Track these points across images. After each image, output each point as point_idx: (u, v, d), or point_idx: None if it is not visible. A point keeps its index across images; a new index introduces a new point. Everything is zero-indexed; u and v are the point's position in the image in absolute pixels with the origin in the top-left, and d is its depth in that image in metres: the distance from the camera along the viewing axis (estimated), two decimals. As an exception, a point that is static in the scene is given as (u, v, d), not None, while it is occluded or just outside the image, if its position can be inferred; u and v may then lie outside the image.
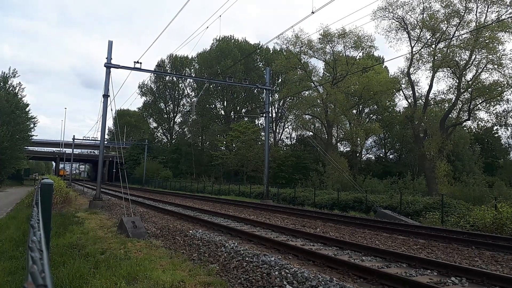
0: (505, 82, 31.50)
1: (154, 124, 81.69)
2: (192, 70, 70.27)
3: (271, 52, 62.69)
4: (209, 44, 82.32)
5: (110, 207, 20.19)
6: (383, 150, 57.73)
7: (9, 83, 42.98)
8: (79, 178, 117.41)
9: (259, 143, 49.04)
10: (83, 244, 9.18)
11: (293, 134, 62.74)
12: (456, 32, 33.01)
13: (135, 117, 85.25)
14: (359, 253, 9.14)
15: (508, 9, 31.04)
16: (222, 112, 66.16)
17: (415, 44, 35.51)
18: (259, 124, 58.93)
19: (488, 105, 33.52)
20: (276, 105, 60.20)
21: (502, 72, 31.49)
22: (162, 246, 9.43)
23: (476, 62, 32.69)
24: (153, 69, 37.63)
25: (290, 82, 49.03)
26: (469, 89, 32.90)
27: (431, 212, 17.88)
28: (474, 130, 49.37)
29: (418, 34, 35.33)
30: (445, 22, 33.58)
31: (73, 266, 6.50)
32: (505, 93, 32.22)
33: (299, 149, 53.19)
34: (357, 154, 51.69)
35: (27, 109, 45.34)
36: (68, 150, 71.67)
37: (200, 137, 68.58)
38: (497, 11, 31.62)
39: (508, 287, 6.33)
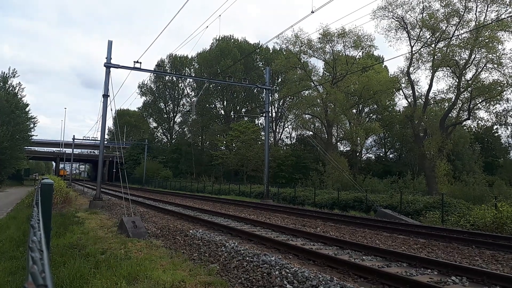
0: (505, 82, 31.50)
1: (154, 124, 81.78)
2: (192, 70, 70.27)
3: (271, 51, 62.69)
4: (209, 44, 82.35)
5: (110, 207, 20.19)
6: (383, 150, 57.75)
7: (9, 83, 43.01)
8: (79, 178, 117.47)
9: (259, 142, 49.04)
10: (83, 244, 9.17)
11: (293, 134, 62.84)
12: (456, 32, 33.01)
13: (135, 117, 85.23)
14: (360, 252, 9.14)
15: (507, 8, 31.06)
16: (222, 111, 66.16)
17: (415, 43, 35.52)
18: (259, 124, 58.93)
19: (488, 104, 33.51)
20: (276, 105, 60.20)
21: (502, 72, 31.50)
22: (162, 246, 9.43)
23: (476, 62, 32.70)
24: (153, 69, 37.66)
25: (290, 82, 49.01)
26: (469, 89, 32.89)
27: (431, 212, 17.89)
28: (474, 130, 49.38)
29: (418, 34, 35.33)
30: (445, 21, 33.56)
31: (73, 266, 6.49)
32: (504, 92, 32.23)
33: (299, 148, 53.21)
34: (357, 154, 51.70)
35: (27, 109, 45.36)
36: (68, 150, 71.67)
37: (200, 137, 68.59)
38: (496, 11, 31.65)
39: (509, 287, 6.32)
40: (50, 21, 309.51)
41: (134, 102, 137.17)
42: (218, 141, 57.45)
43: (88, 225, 13.02)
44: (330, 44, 42.42)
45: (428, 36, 35.11)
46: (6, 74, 42.95)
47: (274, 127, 60.50)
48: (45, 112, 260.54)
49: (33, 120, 47.15)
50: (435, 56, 33.40)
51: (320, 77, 48.93)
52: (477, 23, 31.98)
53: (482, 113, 54.65)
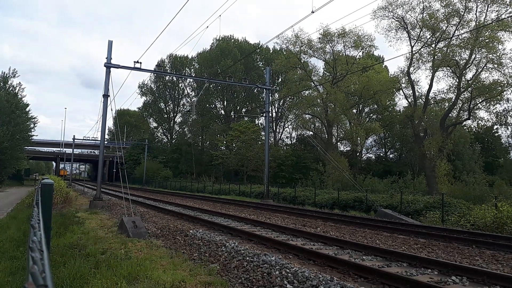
0: (505, 82, 31.51)
1: (154, 124, 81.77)
2: (192, 69, 70.27)
3: (271, 51, 62.70)
4: (209, 44, 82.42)
5: (111, 207, 20.19)
6: (383, 150, 57.74)
7: (9, 83, 43.03)
8: (80, 178, 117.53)
9: (259, 142, 49.02)
10: (83, 244, 9.18)
11: (293, 134, 62.83)
12: (456, 32, 33.01)
13: (135, 117, 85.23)
14: (360, 252, 9.14)
15: (508, 8, 31.06)
16: (222, 111, 66.16)
17: (415, 43, 35.52)
18: (259, 124, 58.93)
19: (488, 104, 33.51)
20: (276, 105, 60.21)
21: (502, 72, 31.51)
22: (162, 246, 9.43)
23: (476, 62, 32.70)
24: (153, 69, 37.62)
25: (290, 82, 49.00)
26: (469, 89, 32.88)
27: (432, 211, 17.89)
28: (474, 129, 49.36)
29: (418, 34, 35.33)
30: (445, 21, 33.57)
31: (73, 266, 6.50)
32: (505, 92, 32.24)
33: (299, 148, 53.21)
34: (357, 154, 51.70)
35: (27, 109, 45.36)
36: (68, 150, 71.70)
37: (200, 137, 68.59)
38: (497, 11, 31.65)
39: (509, 286, 6.32)
40: (50, 21, 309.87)
41: (134, 102, 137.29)
42: (218, 141, 57.45)
43: (88, 225, 13.02)
44: (330, 44, 42.44)
45: (428, 36, 35.12)
46: (6, 74, 43.01)
47: (274, 127, 60.49)
48: (45, 112, 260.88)
49: (33, 120, 47.18)
50: (435, 56, 33.40)
51: (320, 77, 48.94)
52: (477, 23, 31.98)
53: (482, 113, 54.65)
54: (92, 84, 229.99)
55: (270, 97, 35.81)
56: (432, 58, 33.84)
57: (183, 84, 72.71)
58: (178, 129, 76.96)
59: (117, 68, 23.17)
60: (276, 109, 60.73)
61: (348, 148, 51.93)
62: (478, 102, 33.68)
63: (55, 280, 5.56)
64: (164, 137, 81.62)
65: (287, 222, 15.59)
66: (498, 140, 50.83)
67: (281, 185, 35.36)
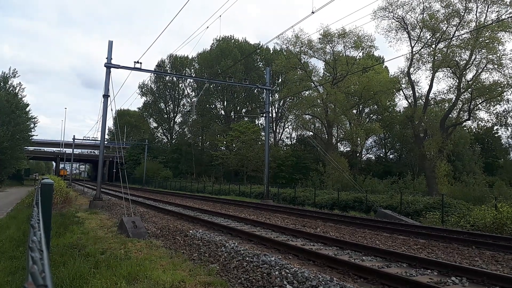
0: (505, 82, 31.52)
1: (154, 124, 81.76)
2: (192, 70, 70.27)
3: (271, 52, 62.71)
4: (209, 44, 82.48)
5: (110, 207, 20.19)
6: (383, 150, 57.74)
7: (9, 83, 43.01)
8: (79, 178, 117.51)
9: (259, 143, 49.04)
10: (83, 244, 9.18)
11: (293, 134, 62.85)
12: (456, 32, 33.01)
13: (135, 117, 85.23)
14: (360, 253, 9.14)
15: (508, 9, 31.06)
16: (222, 112, 66.17)
17: (415, 44, 35.53)
18: (259, 124, 58.94)
19: (488, 105, 33.51)
20: (276, 105, 60.23)
21: (502, 72, 31.51)
22: (162, 246, 9.42)
23: (476, 62, 32.71)
24: (153, 69, 37.68)
25: (290, 82, 49.03)
26: (469, 89, 32.89)
27: (432, 212, 17.88)
28: (474, 130, 49.37)
29: (418, 34, 35.34)
30: (445, 22, 33.58)
31: (73, 266, 6.49)
32: (505, 93, 32.24)
33: (299, 149, 53.20)
34: (357, 154, 51.71)
35: (27, 109, 45.34)
36: (68, 150, 71.70)
37: (200, 137, 68.58)
38: (497, 11, 31.66)
39: (509, 287, 6.32)
40: (50, 21, 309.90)
41: (134, 102, 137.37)
42: (218, 141, 57.45)
43: (88, 225, 13.02)
44: (330, 45, 42.45)
45: (428, 37, 35.14)
46: (6, 74, 42.99)
47: (274, 127, 60.50)
48: (45, 112, 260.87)
49: (33, 120, 47.17)
50: (436, 57, 33.41)
51: (320, 78, 48.95)
52: (477, 24, 31.98)
53: (482, 114, 54.68)
54: (92, 84, 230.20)
55: (270, 98, 35.81)
56: (432, 59, 33.85)
57: (183, 84, 72.77)
58: (178, 129, 76.98)
59: (117, 68, 23.17)
60: (276, 109, 60.77)
61: (348, 149, 51.95)
62: (478, 103, 33.68)
63: (55, 280, 5.57)
64: (164, 137, 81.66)
65: (287, 222, 15.59)
66: (498, 141, 50.84)
67: (281, 185, 35.36)
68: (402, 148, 54.11)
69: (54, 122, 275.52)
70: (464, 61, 32.89)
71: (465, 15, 32.63)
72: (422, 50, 34.66)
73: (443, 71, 34.87)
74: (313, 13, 17.81)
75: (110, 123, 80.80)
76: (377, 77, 41.28)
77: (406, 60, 36.06)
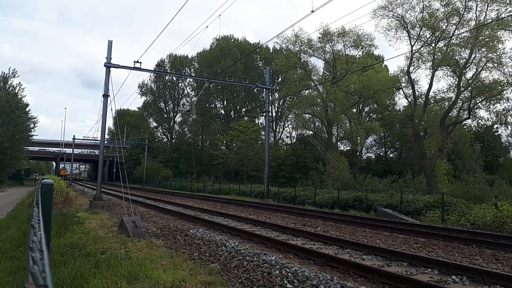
0: (505, 81, 31.52)
1: (154, 124, 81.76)
2: (192, 69, 70.24)
3: (271, 51, 62.68)
4: (209, 44, 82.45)
5: (111, 207, 20.19)
6: (383, 149, 57.74)
7: (9, 83, 43.00)
8: (80, 178, 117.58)
9: (259, 142, 49.04)
10: (83, 244, 9.18)
11: (293, 133, 62.86)
12: (456, 31, 33.01)
13: (135, 117, 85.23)
14: (360, 252, 9.14)
15: (507, 7, 31.07)
16: (222, 111, 66.16)
17: (415, 42, 35.53)
18: (259, 123, 58.95)
19: (488, 103, 33.53)
20: (276, 104, 60.22)
21: (502, 71, 31.54)
22: (162, 246, 9.43)
23: (476, 61, 32.72)
24: (153, 69, 37.61)
25: (290, 81, 49.04)
26: (469, 88, 32.90)
27: (432, 211, 17.89)
28: (474, 129, 49.39)
29: (418, 33, 35.34)
30: (445, 20, 33.58)
31: (73, 266, 6.50)
32: (505, 91, 32.26)
33: (299, 148, 53.20)
34: (357, 153, 51.72)
35: (27, 109, 45.35)
36: (68, 150, 71.72)
37: (200, 137, 68.58)
38: (496, 10, 31.67)
39: (509, 286, 6.32)
40: (50, 21, 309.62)
41: (134, 102, 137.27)
42: (218, 141, 57.45)
43: (88, 225, 13.02)
44: (330, 44, 42.45)
45: (428, 36, 35.13)
46: (6, 74, 42.98)
47: (274, 126, 60.50)
48: (45, 112, 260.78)
49: (33, 120, 47.19)
50: (435, 56, 33.42)
51: (320, 77, 48.96)
52: (477, 22, 31.98)
53: (482, 112, 54.75)
54: (92, 84, 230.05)
55: (270, 97, 35.80)
56: (432, 58, 33.86)
57: (183, 84, 72.73)
58: (178, 129, 76.99)
59: (117, 68, 23.16)
60: (276, 108, 60.75)
61: (348, 148, 51.95)
62: (478, 102, 33.69)
63: (55, 280, 5.57)
64: (164, 137, 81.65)
65: (287, 221, 15.59)
66: (498, 140, 50.86)
67: (281, 184, 35.37)
68: (402, 147, 54.12)
69: (54, 122, 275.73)
70: (464, 60, 32.91)
71: (464, 13, 32.64)
72: (422, 49, 34.67)
73: (443, 69, 34.89)
74: (313, 12, 17.80)
75: (110, 123, 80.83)
76: (377, 76, 41.28)
77: (406, 59, 36.13)
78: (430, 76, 35.01)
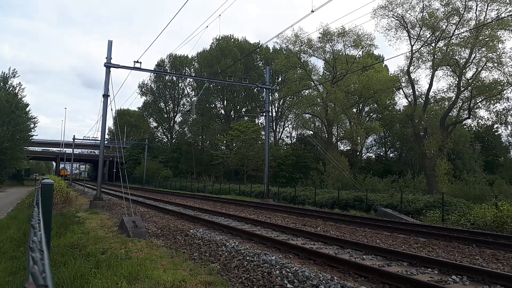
0: (505, 81, 31.51)
1: (154, 124, 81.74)
2: (192, 69, 70.23)
3: (271, 51, 62.67)
4: (209, 44, 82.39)
5: (111, 207, 20.19)
6: (384, 149, 57.75)
7: (9, 83, 43.03)
8: (80, 178, 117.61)
9: (259, 142, 49.04)
10: (84, 244, 9.18)
11: (293, 133, 62.86)
12: (456, 31, 33.00)
13: (135, 117, 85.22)
14: (360, 251, 9.14)
15: (507, 7, 31.06)
16: (222, 111, 66.16)
17: (415, 42, 35.52)
18: (259, 123, 58.94)
19: (488, 103, 33.53)
20: (276, 104, 60.22)
21: (502, 71, 31.53)
22: (163, 246, 9.43)
23: (476, 61, 32.71)
24: (153, 69, 37.58)
25: (290, 81, 49.04)
26: (469, 88, 32.89)
27: (432, 211, 17.89)
28: (474, 129, 49.39)
29: (418, 33, 35.33)
30: (445, 20, 33.57)
31: (74, 266, 6.50)
32: (505, 91, 32.25)
33: (299, 148, 53.22)
34: (357, 153, 51.72)
35: (27, 109, 45.37)
36: (69, 150, 71.74)
37: (200, 137, 68.58)
38: (496, 9, 31.66)
39: (509, 285, 6.32)
40: (50, 21, 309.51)
41: (134, 102, 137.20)
42: (218, 141, 57.45)
43: (88, 225, 13.03)
44: (330, 44, 42.45)
45: (428, 35, 35.12)
46: (6, 74, 43.01)
47: (274, 126, 60.50)
48: (45, 112, 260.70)
49: (33, 120, 47.21)
50: (435, 55, 33.41)
51: (320, 77, 48.95)
52: (477, 22, 31.98)
53: (482, 112, 54.73)
54: (92, 84, 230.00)
55: (270, 97, 35.80)
56: (432, 57, 33.85)
57: (183, 84, 72.73)
58: (178, 128, 76.98)
59: (117, 68, 23.16)
60: (276, 108, 60.75)
61: (348, 148, 51.95)
62: (478, 101, 33.69)
63: (56, 280, 5.57)
64: (164, 136, 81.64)
65: (287, 221, 15.59)
66: (498, 139, 50.87)
67: (281, 184, 35.37)
68: (402, 147, 54.14)
69: (54, 122, 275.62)
70: (464, 60, 32.90)
71: (464, 13, 32.63)
72: (422, 48, 34.66)
73: (443, 69, 34.89)
74: (313, 12, 17.80)
75: (110, 123, 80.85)
76: (377, 76, 41.29)
77: (406, 58, 36.12)
78: (430, 76, 35.05)
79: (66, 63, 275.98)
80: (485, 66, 32.31)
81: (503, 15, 30.73)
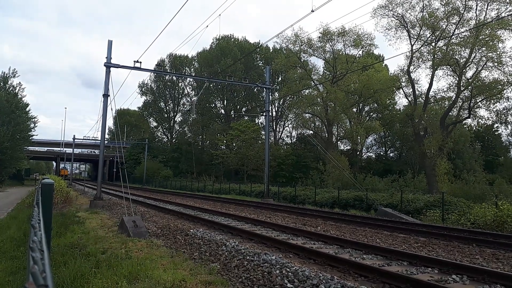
0: (505, 80, 31.51)
1: (154, 124, 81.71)
2: (192, 69, 70.22)
3: (271, 51, 62.65)
4: (209, 43, 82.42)
5: (111, 207, 20.19)
6: (384, 148, 57.75)
7: (9, 83, 43.01)
8: (80, 177, 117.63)
9: (259, 142, 49.06)
10: (84, 243, 9.18)
11: (293, 133, 62.83)
12: (456, 30, 33.00)
13: (135, 117, 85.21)
14: (360, 251, 9.14)
15: (507, 6, 31.05)
16: (222, 111, 66.16)
17: (415, 42, 35.51)
18: (259, 123, 58.93)
19: (488, 103, 33.51)
20: (276, 104, 60.22)
21: (502, 70, 31.51)
22: (163, 246, 9.43)
23: (476, 60, 32.70)
24: (153, 69, 37.56)
25: (290, 81, 49.04)
26: (469, 87, 32.88)
27: (432, 210, 17.89)
28: (474, 128, 49.38)
29: (418, 32, 35.32)
30: (445, 20, 33.56)
31: (74, 265, 6.50)
32: (505, 90, 32.24)
33: (300, 147, 53.23)
34: (358, 153, 51.72)
35: (27, 109, 45.35)
36: (69, 150, 71.77)
37: (201, 136, 68.58)
38: (496, 9, 31.66)
39: (509, 285, 6.32)
40: (50, 21, 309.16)
41: (134, 101, 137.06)
42: (219, 141, 57.46)
43: (88, 224, 13.03)
44: (330, 43, 42.45)
45: (428, 35, 35.12)
46: (6, 74, 42.99)
47: (274, 126, 60.49)
48: (45, 112, 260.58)
49: (33, 120, 47.18)
50: (435, 55, 33.41)
51: (320, 76, 48.96)
52: (477, 22, 31.97)
53: (482, 112, 54.73)
54: (92, 84, 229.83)
55: (270, 96, 35.79)
56: (432, 57, 33.84)
57: (183, 84, 72.70)
58: (178, 128, 76.97)
59: (117, 67, 23.15)
60: (276, 108, 60.75)
61: (348, 147, 51.95)
62: (478, 101, 33.68)
63: (56, 280, 5.57)
64: (164, 136, 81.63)
65: (288, 221, 15.59)
66: (498, 139, 50.87)
67: (281, 184, 35.38)
68: (402, 146, 54.14)
69: (54, 122, 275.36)
70: (464, 59, 32.89)
71: (464, 13, 32.62)
72: (422, 48, 34.66)
73: (443, 69, 34.88)
74: (313, 11, 17.79)
75: (110, 122, 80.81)
76: (377, 76, 41.29)
77: (406, 58, 36.10)
78: (430, 75, 35.05)
79: (66, 63, 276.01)
80: (485, 66, 32.31)
81: (503, 14, 30.74)
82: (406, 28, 35.48)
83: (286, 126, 63.60)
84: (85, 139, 66.92)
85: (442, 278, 6.77)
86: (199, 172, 58.01)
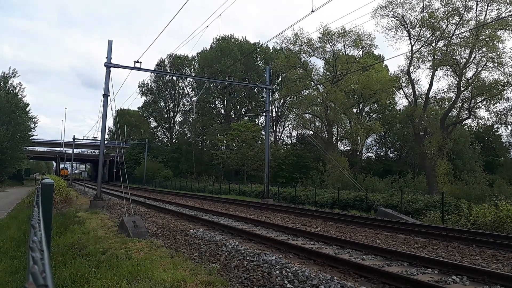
0: (505, 80, 31.51)
1: (154, 124, 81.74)
2: (192, 69, 70.24)
3: (271, 51, 62.67)
4: (209, 44, 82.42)
5: (111, 207, 20.19)
6: (384, 149, 57.74)
7: (9, 83, 43.04)
8: (80, 178, 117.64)
9: (259, 142, 49.06)
10: (84, 244, 9.18)
11: (294, 133, 62.86)
12: (456, 31, 33.00)
13: (135, 117, 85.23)
14: (360, 252, 9.14)
15: (508, 7, 31.06)
16: (222, 111, 66.17)
17: (415, 42, 35.51)
18: (259, 123, 58.95)
19: (488, 103, 33.51)
20: (276, 104, 60.22)
21: (502, 70, 31.51)
22: (163, 246, 9.43)
23: (476, 61, 32.70)
24: (153, 69, 37.57)
25: (290, 81, 49.05)
26: (469, 88, 32.89)
27: (432, 211, 17.88)
28: (474, 129, 49.38)
29: (418, 33, 35.32)
30: (445, 20, 33.57)
31: (74, 266, 6.50)
32: (505, 91, 32.24)
33: (300, 148, 53.21)
34: (358, 153, 51.72)
35: (27, 109, 45.36)
36: (69, 150, 71.77)
37: (201, 137, 68.59)
38: (497, 9, 31.66)
39: (509, 286, 6.32)
40: (50, 21, 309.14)
41: (134, 101, 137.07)
42: (219, 141, 57.46)
43: (88, 225, 13.03)
44: (330, 43, 42.45)
45: (428, 35, 35.12)
46: (7, 74, 43.02)
47: (274, 126, 60.49)
48: (45, 112, 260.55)
49: (33, 120, 47.20)
50: (436, 55, 33.41)
51: (320, 76, 48.95)
52: (477, 22, 31.97)
53: (482, 112, 54.72)
54: (92, 84, 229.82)
55: (270, 97, 35.79)
56: (432, 57, 33.85)
57: (183, 84, 72.73)
58: (178, 128, 76.99)
59: (117, 67, 23.16)
60: (276, 108, 60.75)
61: (348, 148, 51.96)
62: (478, 101, 33.68)
63: (56, 280, 5.57)
64: (164, 136, 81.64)
65: (288, 221, 15.59)
66: (498, 139, 50.87)
67: (281, 184, 35.37)
68: (402, 147, 54.13)
69: (54, 122, 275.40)
70: (464, 60, 32.90)
71: (465, 13, 32.62)
72: (422, 48, 34.66)
73: (443, 69, 34.88)
74: (313, 12, 17.79)
75: (110, 122, 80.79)
76: (377, 76, 41.29)
77: (406, 58, 36.11)
78: (430, 76, 35.04)
79: (66, 63, 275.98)
80: (485, 66, 32.31)
81: (503, 15, 30.74)
82: (406, 29, 35.49)
83: (286, 127, 63.68)
84: (85, 139, 66.91)
85: (442, 279, 6.77)
86: (199, 173, 58.01)
